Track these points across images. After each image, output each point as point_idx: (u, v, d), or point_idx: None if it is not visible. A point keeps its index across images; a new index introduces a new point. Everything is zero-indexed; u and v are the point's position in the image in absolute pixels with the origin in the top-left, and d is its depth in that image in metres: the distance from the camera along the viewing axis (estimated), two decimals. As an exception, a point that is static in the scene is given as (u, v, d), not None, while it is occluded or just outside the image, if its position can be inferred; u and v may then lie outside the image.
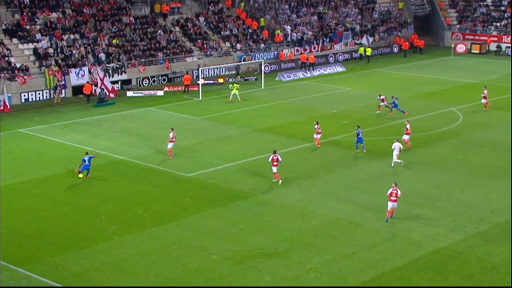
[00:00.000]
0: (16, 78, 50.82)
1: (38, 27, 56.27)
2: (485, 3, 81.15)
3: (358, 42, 74.32)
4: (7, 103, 48.56)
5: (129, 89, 55.39)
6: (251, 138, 41.26)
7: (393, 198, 28.66)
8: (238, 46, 65.91)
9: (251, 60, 64.50)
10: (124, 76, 56.55)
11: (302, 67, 65.09)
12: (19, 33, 55.05)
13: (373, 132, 41.93)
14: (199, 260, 25.15)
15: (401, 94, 54.04)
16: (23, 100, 51.07)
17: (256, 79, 58.94)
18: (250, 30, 68.90)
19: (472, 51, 75.25)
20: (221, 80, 57.75)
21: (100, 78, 52.39)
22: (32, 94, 51.47)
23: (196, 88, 54.40)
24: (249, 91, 55.32)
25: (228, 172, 34.98)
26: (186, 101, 52.27)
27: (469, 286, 23.63)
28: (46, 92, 51.97)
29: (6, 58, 52.08)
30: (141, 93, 54.39)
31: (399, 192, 28.69)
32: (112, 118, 46.89)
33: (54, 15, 58.30)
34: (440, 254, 25.77)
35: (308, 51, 69.22)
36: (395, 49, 76.56)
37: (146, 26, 62.74)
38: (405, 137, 38.28)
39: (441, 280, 23.85)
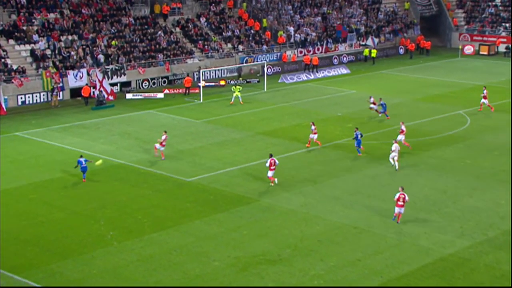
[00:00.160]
0: (13, 80, 50.90)
1: (35, 28, 56.38)
2: (493, 3, 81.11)
3: (363, 43, 74.35)
4: (4, 106, 48.64)
5: (128, 92, 55.44)
6: (253, 142, 41.27)
7: (400, 203, 28.75)
8: (240, 47, 65.97)
9: (253, 61, 64.54)
10: (124, 78, 56.62)
11: (306, 69, 65.11)
12: (16, 34, 55.15)
13: (378, 136, 41.93)
14: (200, 267, 25.14)
15: (407, 97, 54.15)
16: (19, 103, 51.15)
17: (258, 81, 58.99)
18: (252, 31, 68.96)
19: (481, 52, 75.24)
20: (222, 82, 57.82)
21: (99, 80, 52.47)
22: (29, 97, 51.55)
23: (197, 91, 54.46)
24: (251, 93, 55.35)
25: (229, 177, 34.99)
26: (186, 104, 52.31)
27: (477, 294, 23.63)
28: (43, 95, 52.04)
29: (3, 60, 52.18)
30: (140, 95, 54.45)
31: (406, 197, 28.76)
32: (111, 121, 46.94)
33: (51, 15, 58.43)
34: (448, 261, 25.74)
35: (311, 52, 69.27)
36: (401, 51, 76.58)
37: (146, 27, 62.83)
38: (400, 137, 38.51)
39: (449, 288, 23.85)
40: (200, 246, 26.87)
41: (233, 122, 46.12)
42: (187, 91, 55.40)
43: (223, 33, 67.09)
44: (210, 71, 60.78)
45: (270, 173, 33.34)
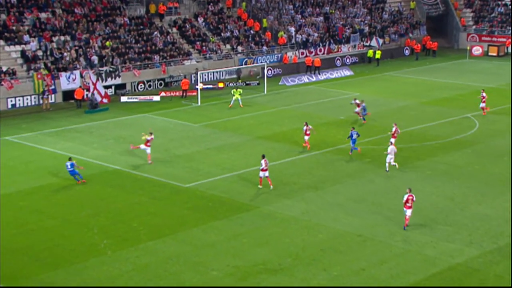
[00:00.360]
0: (3, 83, 50.94)
1: (26, 28, 56.42)
2: (503, 2, 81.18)
3: (367, 44, 74.45)
4: (-7, 109, 48.71)
5: (123, 94, 55.48)
6: (253, 146, 41.26)
7: (408, 205, 28.98)
8: (239, 48, 66.04)
9: (253, 63, 64.61)
10: (118, 81, 56.66)
11: (307, 71, 65.19)
12: (6, 34, 55.19)
13: (382, 140, 41.89)
14: (197, 277, 25.10)
15: (413, 99, 54.18)
16: (9, 106, 51.15)
17: (258, 84, 59.03)
18: (252, 32, 69.05)
19: (489, 53, 75.36)
20: (221, 85, 57.84)
21: (92, 82, 52.47)
22: (19, 100, 51.56)
23: (194, 93, 54.47)
24: (250, 96, 55.37)
25: (228, 183, 34.98)
26: (184, 107, 52.33)
27: (487, 305, 23.59)
28: (34, 98, 52.05)
29: (-8, 61, 52.30)
30: (136, 98, 54.48)
31: (414, 198, 29.03)
32: (105, 125, 46.94)
33: (43, 15, 58.48)
34: (456, 271, 25.69)
35: (313, 53, 69.36)
36: (407, 52, 76.68)
37: (141, 27, 62.91)
38: (392, 140, 38.83)
39: (457, 299, 23.83)
40: (198, 255, 26.83)
41: (232, 126, 46.13)
42: (184, 94, 55.42)
43: (222, 34, 67.16)
44: (208, 73, 60.83)
45: (261, 174, 33.72)
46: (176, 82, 59.16)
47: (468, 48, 75.36)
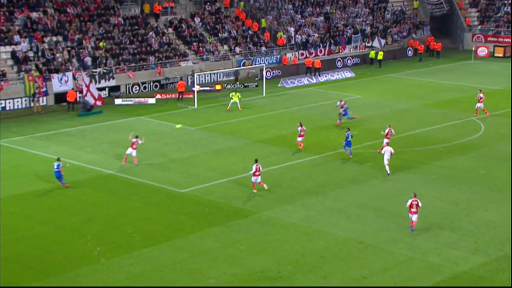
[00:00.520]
0: (-7, 85, 50.97)
1: (16, 28, 56.43)
2: (509, 1, 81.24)
3: (369, 45, 74.56)
4: (-17, 112, 48.71)
5: (117, 97, 55.49)
6: (251, 151, 41.27)
7: (413, 210, 29.05)
8: (237, 49, 66.09)
9: (251, 64, 64.64)
10: (112, 82, 56.67)
11: (307, 73, 65.23)
12: (-4, 35, 55.27)
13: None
14: (194, 285, 25.07)
15: (417, 102, 54.21)
16: None
17: (256, 86, 59.04)
18: (250, 32, 69.11)
19: (495, 54, 75.47)
20: (218, 87, 57.87)
21: (85, 84, 52.48)
22: (9, 102, 51.55)
23: (191, 96, 54.49)
24: (249, 98, 55.40)
25: (226, 188, 34.98)
26: (180, 110, 52.34)
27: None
28: (25, 100, 52.04)
29: (-18, 63, 52.31)
30: (130, 101, 54.48)
31: (419, 203, 29.07)
32: (99, 128, 46.94)
33: (34, 14, 58.49)
34: (461, 279, 25.68)
35: (313, 55, 69.42)
36: (410, 53, 76.77)
37: (136, 27, 62.95)
38: (386, 140, 39.18)
39: (462, 308, 23.82)
40: (194, 262, 26.81)
41: (230, 129, 46.14)
42: (180, 96, 55.44)
43: (219, 34, 67.22)
44: (205, 74, 60.84)
45: (254, 179, 33.87)
46: (172, 84, 59.17)
47: (473, 49, 75.45)
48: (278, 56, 67.63)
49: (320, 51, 70.55)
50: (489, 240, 28.88)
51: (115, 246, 28.23)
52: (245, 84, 59.29)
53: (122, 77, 57.39)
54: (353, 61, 71.46)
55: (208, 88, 57.55)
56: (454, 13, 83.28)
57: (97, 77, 55.50)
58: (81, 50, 57.02)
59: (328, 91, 59.27)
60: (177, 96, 55.58)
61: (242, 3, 71.76)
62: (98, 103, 52.51)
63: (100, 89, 54.47)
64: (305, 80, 63.09)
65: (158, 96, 55.49)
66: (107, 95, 55.77)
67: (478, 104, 48.73)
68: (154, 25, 64.43)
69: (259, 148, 41.76)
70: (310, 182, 35.97)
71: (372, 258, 27.17)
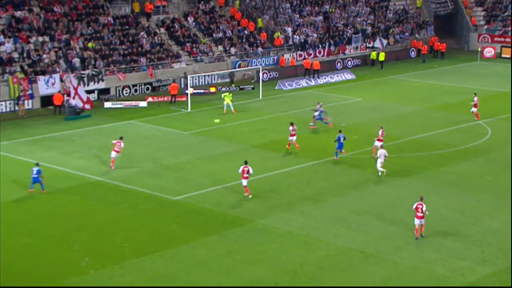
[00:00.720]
0: (-24, 87, 50.92)
1: (0, 28, 56.40)
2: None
3: (370, 45, 74.69)
4: (-34, 116, 48.61)
5: (107, 100, 55.46)
6: (247, 156, 41.15)
7: (419, 214, 29.17)
8: (233, 50, 66.15)
9: (247, 66, 64.69)
10: (102, 85, 56.63)
11: (306, 74, 65.29)
12: (-20, 35, 55.26)
13: (389, 149, 41.84)
14: (187, 297, 25.09)
15: (420, 105, 54.27)
16: (-17, 112, 51.12)
17: (253, 88, 59.09)
18: (246, 32, 69.19)
19: (503, 55, 75.59)
20: (213, 89, 57.92)
21: (73, 87, 52.38)
22: (-6, 105, 51.57)
23: (184, 99, 54.50)
24: (245, 101, 55.42)
25: (221, 195, 34.96)
26: (172, 113, 52.34)
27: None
28: (9, 103, 51.98)
29: (-35, 64, 52.26)
30: (121, 104, 54.47)
31: (424, 207, 29.20)
32: (87, 132, 46.91)
33: (19, 13, 58.44)
34: (467, 290, 25.73)
35: (312, 56, 69.53)
36: (413, 54, 76.91)
37: (126, 27, 62.97)
38: (377, 143, 39.59)
39: (468, 320, 23.81)
40: (187, 273, 26.78)
41: (225, 134, 46.15)
42: (173, 99, 55.44)
43: (214, 34, 67.28)
44: (198, 76, 60.87)
45: (244, 182, 34.11)
46: (164, 87, 59.17)
47: (479, 49, 75.58)
48: (275, 57, 67.69)
49: (319, 52, 70.64)
50: (496, 249, 28.88)
51: (104, 257, 28.18)
52: (241, 87, 59.34)
53: (112, 79, 57.37)
54: (354, 62, 71.56)
55: (202, 91, 57.59)
56: (459, 12, 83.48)
57: (85, 79, 55.46)
58: (68, 51, 57.00)
59: (327, 93, 59.31)
60: (169, 99, 55.57)
61: (237, 1, 71.86)
62: (87, 106, 52.40)
63: (88, 92, 54.39)
64: (303, 82, 63.15)
65: (150, 99, 55.48)
66: (96, 98, 55.73)
67: (474, 109, 48.83)
68: (146, 25, 64.46)
69: (256, 153, 41.76)
70: (308, 188, 35.96)
71: (373, 269, 27.15)
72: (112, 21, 62.49)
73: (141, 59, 60.12)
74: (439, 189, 35.82)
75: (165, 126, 48.51)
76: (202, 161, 40.56)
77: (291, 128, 41.59)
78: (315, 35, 71.87)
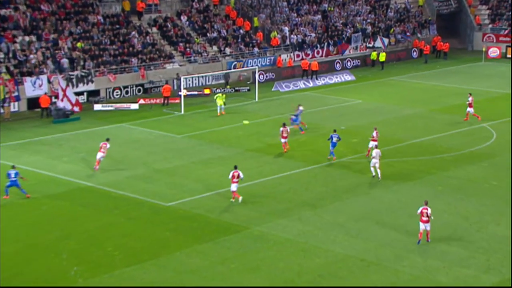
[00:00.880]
0: (-40, 89, 50.85)
1: (-14, 28, 56.44)
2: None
3: (370, 45, 74.79)
4: (-51, 119, 48.53)
5: (96, 102, 55.43)
6: (242, 160, 41.23)
7: (424, 219, 29.25)
8: (228, 50, 66.17)
9: (242, 67, 64.72)
10: (91, 86, 56.62)
11: (304, 75, 65.33)
12: (-36, 34, 55.19)
13: (390, 152, 41.99)
14: (180, 307, 25.05)
15: (422, 107, 54.32)
16: (-32, 115, 51.03)
17: (248, 90, 59.11)
18: (241, 32, 69.22)
19: (508, 55, 75.74)
20: (207, 91, 57.91)
21: (61, 88, 52.35)
22: (-21, 108, 51.46)
23: (177, 101, 54.50)
24: (240, 103, 55.42)
25: (215, 201, 34.93)
26: (165, 116, 52.33)
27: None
28: (-5, 106, 51.95)
29: (-51, 65, 52.19)
30: (111, 106, 54.43)
31: (429, 211, 29.28)
32: (76, 136, 46.86)
33: (4, 11, 58.37)
34: (471, 299, 25.74)
35: (310, 56, 69.57)
36: (415, 54, 77.04)
37: (117, 26, 62.96)
38: (371, 143, 39.93)
39: (473, 331, 23.80)
40: (180, 282, 26.75)
41: (219, 137, 46.13)
42: (165, 101, 55.43)
43: (208, 34, 67.30)
44: (192, 78, 60.87)
45: (233, 187, 34.22)
46: (156, 88, 59.16)
47: (483, 49, 75.73)
48: (272, 58, 67.72)
49: (318, 52, 70.70)
50: (502, 257, 28.87)
51: (94, 265, 28.12)
52: (236, 88, 59.34)
53: (102, 81, 57.34)
54: (353, 63, 71.65)
55: (195, 93, 57.60)
56: (463, 11, 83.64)
57: (74, 80, 55.43)
58: (56, 51, 56.97)
59: (326, 95, 59.35)
60: (162, 101, 55.56)
61: (232, 0, 71.88)
62: (76, 109, 52.38)
63: (77, 94, 54.39)
64: (301, 84, 63.17)
65: (142, 101, 55.46)
66: (85, 100, 55.71)
67: (470, 109, 49.01)
68: (137, 24, 64.46)
69: (251, 158, 41.76)
70: (307, 194, 35.95)
71: (374, 277, 27.14)
72: (102, 20, 62.48)
73: (133, 60, 60.12)
74: (442, 194, 35.83)
75: (157, 129, 48.48)
76: (195, 165, 40.54)
77: (282, 129, 41.79)
78: (313, 34, 71.94)
